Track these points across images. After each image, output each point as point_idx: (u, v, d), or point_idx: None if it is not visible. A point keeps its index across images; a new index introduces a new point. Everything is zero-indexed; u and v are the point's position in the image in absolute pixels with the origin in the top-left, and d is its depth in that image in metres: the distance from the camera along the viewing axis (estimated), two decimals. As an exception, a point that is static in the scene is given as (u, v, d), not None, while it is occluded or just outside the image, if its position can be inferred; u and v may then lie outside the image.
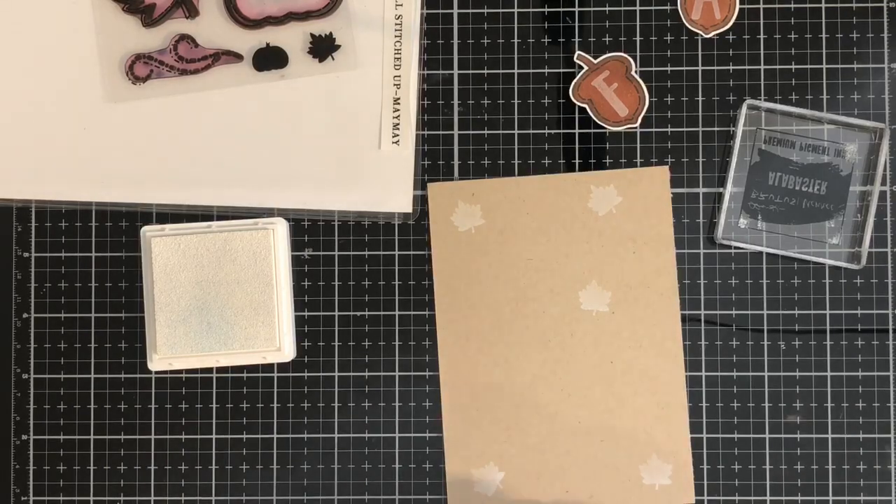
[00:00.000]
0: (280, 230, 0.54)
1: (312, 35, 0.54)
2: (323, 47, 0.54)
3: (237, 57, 0.55)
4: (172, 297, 0.53)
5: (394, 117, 0.55)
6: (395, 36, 0.55)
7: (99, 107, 0.55)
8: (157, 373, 0.55)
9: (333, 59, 0.55)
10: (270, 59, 0.55)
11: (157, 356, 0.53)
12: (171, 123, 0.55)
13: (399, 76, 0.55)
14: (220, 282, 0.53)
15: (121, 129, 0.55)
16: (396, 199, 0.55)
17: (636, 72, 0.55)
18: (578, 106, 0.55)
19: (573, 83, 0.55)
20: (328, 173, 0.55)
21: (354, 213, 0.55)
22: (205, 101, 0.55)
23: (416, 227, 0.55)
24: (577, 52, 0.55)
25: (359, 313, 0.55)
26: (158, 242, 0.53)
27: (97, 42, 0.55)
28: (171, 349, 0.53)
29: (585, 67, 0.55)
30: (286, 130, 0.55)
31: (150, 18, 0.54)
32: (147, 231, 0.54)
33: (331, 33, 0.54)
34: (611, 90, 0.55)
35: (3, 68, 0.56)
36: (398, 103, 0.55)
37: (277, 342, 0.53)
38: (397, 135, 0.55)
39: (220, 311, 0.53)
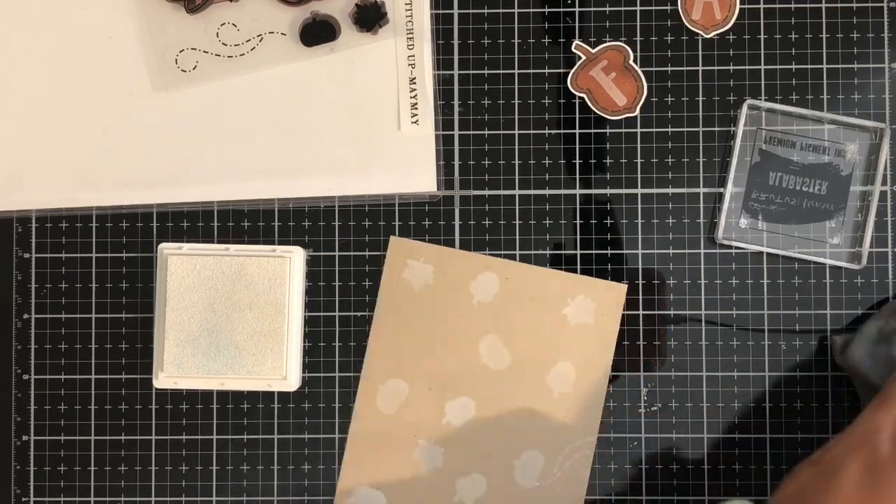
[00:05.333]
0: (297, 259, 0.54)
1: (357, 5, 0.54)
2: (369, 17, 0.54)
3: (282, 35, 0.54)
4: (184, 317, 0.53)
5: (411, 97, 0.55)
6: (407, 14, 0.55)
7: (122, 106, 0.56)
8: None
9: (381, 27, 0.54)
10: (319, 32, 0.54)
11: (163, 374, 0.53)
12: (194, 118, 0.55)
13: (413, 56, 0.55)
14: (232, 305, 0.53)
15: (142, 128, 0.55)
16: (421, 179, 0.55)
17: (634, 61, 0.55)
18: (578, 102, 0.55)
19: (571, 73, 0.55)
20: (349, 158, 0.55)
21: (381, 197, 0.55)
22: (231, 90, 0.55)
23: (416, 227, 0.55)
24: (575, 42, 0.55)
25: (359, 313, 0.55)
26: (175, 261, 0.53)
27: (139, 31, 0.55)
28: (178, 369, 0.53)
29: (583, 57, 0.55)
30: (303, 118, 0.55)
31: (193, 4, 0.54)
32: (164, 248, 0.54)
33: (376, 1, 0.54)
34: (609, 79, 0.55)
35: (23, 70, 0.56)
36: (414, 83, 0.55)
37: (284, 371, 0.53)
38: (416, 114, 0.55)
39: (229, 334, 0.53)
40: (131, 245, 0.56)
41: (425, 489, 0.54)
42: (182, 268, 0.53)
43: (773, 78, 0.55)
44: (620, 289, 0.54)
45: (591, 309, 0.54)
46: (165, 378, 0.53)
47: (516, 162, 0.56)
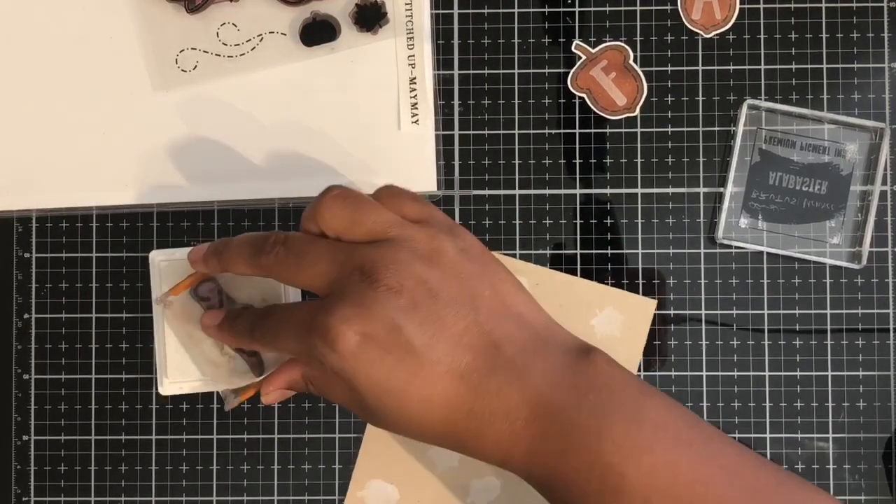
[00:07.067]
0: None
1: (357, 5, 0.54)
2: (369, 17, 0.54)
3: (282, 35, 0.54)
4: (183, 321, 0.52)
5: (411, 97, 0.55)
6: (407, 14, 0.55)
7: (122, 105, 0.56)
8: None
9: (381, 27, 0.54)
10: (319, 32, 0.54)
11: (167, 381, 0.53)
12: (194, 118, 0.55)
13: (413, 55, 0.55)
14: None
15: (142, 128, 0.55)
16: (420, 179, 0.55)
17: (634, 60, 0.55)
18: (578, 101, 0.55)
19: (571, 73, 0.55)
20: (349, 158, 0.55)
21: None
22: (231, 90, 0.55)
23: (416, 227, 0.55)
24: (575, 42, 0.55)
25: (359, 313, 0.55)
26: (168, 268, 0.52)
27: (139, 31, 0.55)
28: (182, 375, 0.52)
29: (583, 57, 0.55)
30: (303, 118, 0.55)
31: (193, 4, 0.54)
32: (156, 256, 0.52)
33: (376, 1, 0.54)
34: (609, 79, 0.55)
35: (23, 69, 0.56)
36: (414, 83, 0.55)
37: None
38: (416, 114, 0.55)
39: None
40: (131, 245, 0.56)
41: (438, 487, 0.54)
42: (176, 273, 0.52)
43: (773, 78, 0.55)
44: (649, 304, 0.54)
45: (619, 322, 0.54)
46: (170, 384, 0.53)
47: (516, 162, 0.56)
